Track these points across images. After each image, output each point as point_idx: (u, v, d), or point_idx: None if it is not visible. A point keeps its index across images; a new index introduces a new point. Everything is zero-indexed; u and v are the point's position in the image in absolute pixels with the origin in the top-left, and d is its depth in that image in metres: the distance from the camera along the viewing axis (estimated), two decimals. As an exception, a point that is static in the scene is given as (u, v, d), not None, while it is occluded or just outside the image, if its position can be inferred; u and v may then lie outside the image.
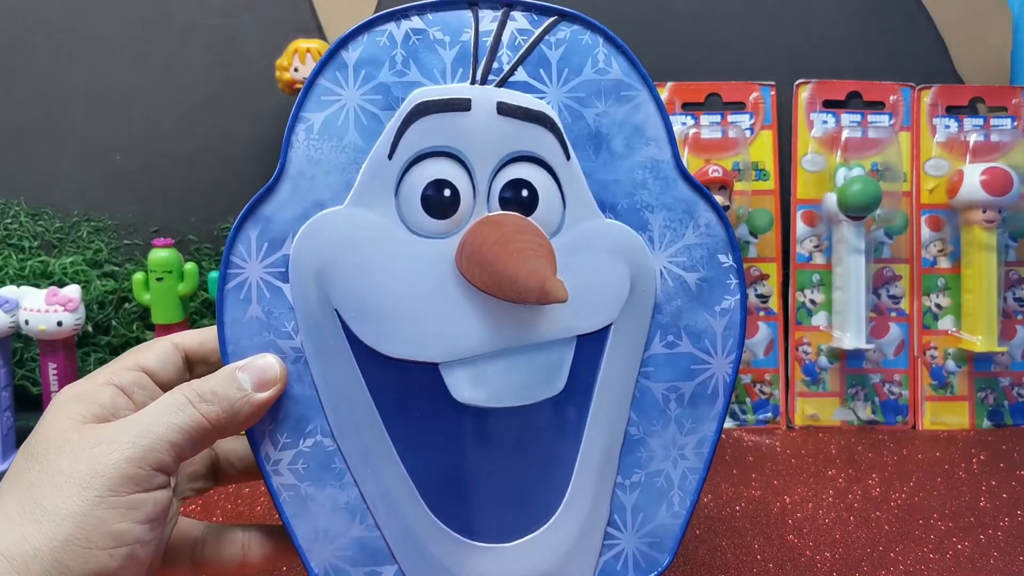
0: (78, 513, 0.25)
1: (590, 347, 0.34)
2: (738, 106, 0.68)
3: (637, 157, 0.34)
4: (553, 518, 0.34)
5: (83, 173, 0.71)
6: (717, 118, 0.67)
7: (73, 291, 0.56)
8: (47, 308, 0.55)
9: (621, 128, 0.34)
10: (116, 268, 0.71)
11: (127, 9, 0.70)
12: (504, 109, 0.33)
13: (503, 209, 0.33)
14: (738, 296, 0.35)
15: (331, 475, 0.33)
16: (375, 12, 0.72)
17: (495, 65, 0.33)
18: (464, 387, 0.33)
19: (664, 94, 0.67)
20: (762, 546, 0.43)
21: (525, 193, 0.33)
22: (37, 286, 0.66)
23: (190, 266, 0.61)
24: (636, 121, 0.34)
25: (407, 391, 0.33)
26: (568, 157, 0.34)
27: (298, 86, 0.63)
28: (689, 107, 0.68)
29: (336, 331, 0.33)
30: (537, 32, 0.34)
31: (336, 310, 0.33)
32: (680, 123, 0.67)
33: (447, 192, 0.33)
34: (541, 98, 0.34)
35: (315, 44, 0.63)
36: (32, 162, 0.70)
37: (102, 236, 0.71)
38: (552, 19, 0.34)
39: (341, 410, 0.33)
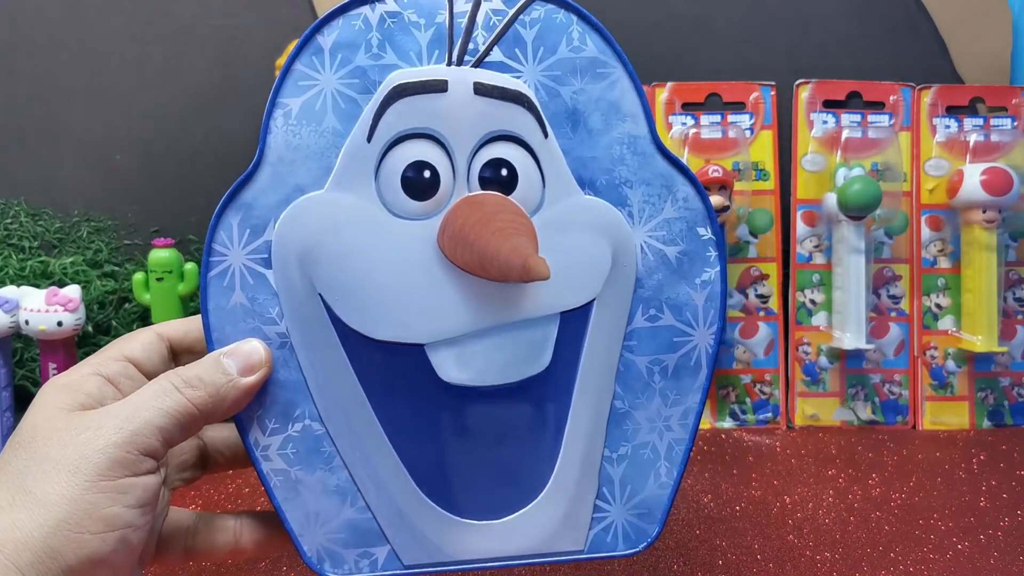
0: (68, 498, 0.26)
1: (574, 323, 0.34)
2: (738, 106, 0.68)
3: (614, 133, 0.35)
4: (542, 493, 0.34)
5: (83, 173, 0.71)
6: (717, 118, 0.67)
7: (73, 291, 0.56)
8: (47, 308, 0.55)
9: (598, 105, 0.35)
10: (116, 268, 0.71)
11: (127, 9, 0.70)
12: (481, 89, 0.33)
13: (483, 189, 0.33)
14: (718, 268, 0.35)
15: (320, 459, 0.33)
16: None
17: (471, 46, 0.33)
18: (450, 367, 0.33)
19: (664, 94, 0.67)
20: (762, 546, 0.43)
21: (504, 172, 0.33)
22: (37, 286, 0.66)
23: (190, 266, 0.61)
24: (612, 98, 0.35)
25: (393, 373, 0.33)
26: (546, 135, 0.34)
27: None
28: (689, 107, 0.68)
29: (321, 315, 0.33)
30: (511, 12, 0.34)
31: (320, 294, 0.33)
32: (680, 123, 0.67)
33: (427, 173, 0.33)
34: (517, 77, 0.34)
35: (315, 44, 0.63)
36: (32, 162, 0.70)
37: (102, 236, 0.71)
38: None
39: (328, 394, 0.33)
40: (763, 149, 0.67)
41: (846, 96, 0.68)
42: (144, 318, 0.69)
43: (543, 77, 0.34)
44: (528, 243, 0.31)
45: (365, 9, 0.33)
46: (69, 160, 0.71)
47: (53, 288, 0.56)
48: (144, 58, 0.71)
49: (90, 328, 0.69)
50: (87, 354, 0.68)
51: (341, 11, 0.33)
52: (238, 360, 0.31)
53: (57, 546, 0.25)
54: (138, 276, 0.62)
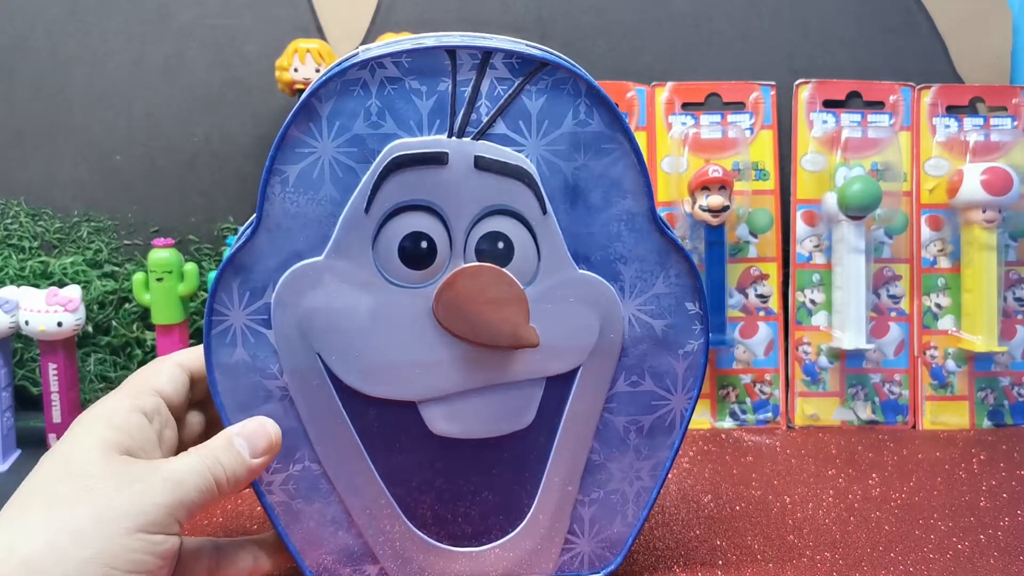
0: (110, 536, 0.28)
1: (559, 387, 0.36)
2: (738, 106, 0.68)
3: (613, 210, 0.35)
4: (519, 528, 0.37)
5: (83, 173, 0.71)
6: (717, 118, 0.67)
7: (73, 291, 0.56)
8: (47, 308, 0.55)
9: (599, 182, 0.34)
10: (116, 268, 0.71)
11: (127, 9, 0.70)
12: (482, 163, 0.33)
13: (479, 260, 0.34)
14: (702, 340, 0.37)
15: (318, 494, 0.35)
16: (375, 15, 0.72)
17: (473, 117, 0.33)
18: (440, 421, 0.35)
19: (664, 94, 0.67)
20: (762, 546, 0.43)
21: (501, 245, 0.34)
22: (37, 286, 0.66)
23: (190, 266, 0.61)
24: (614, 175, 0.34)
25: (387, 425, 0.35)
26: (544, 212, 0.34)
27: (298, 86, 0.63)
28: (689, 107, 0.68)
29: (319, 373, 0.34)
30: (518, 82, 0.33)
31: (318, 353, 0.34)
32: (680, 123, 0.67)
33: (424, 244, 0.33)
34: (519, 151, 0.33)
35: (315, 44, 0.63)
36: (32, 162, 0.70)
37: (102, 236, 0.71)
38: (533, 68, 0.33)
39: (326, 441, 0.35)
40: (763, 149, 0.67)
41: (846, 96, 0.68)
42: (144, 318, 0.69)
43: (545, 151, 0.34)
44: (519, 314, 0.33)
45: (364, 74, 0.32)
46: (69, 160, 0.71)
47: (53, 288, 0.56)
48: (144, 58, 0.71)
49: (90, 328, 0.69)
50: (87, 354, 0.68)
51: (339, 75, 0.32)
52: (250, 442, 0.33)
53: (88, 575, 0.27)
54: (138, 276, 0.62)
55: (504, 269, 0.34)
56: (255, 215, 0.33)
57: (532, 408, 0.36)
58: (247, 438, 0.33)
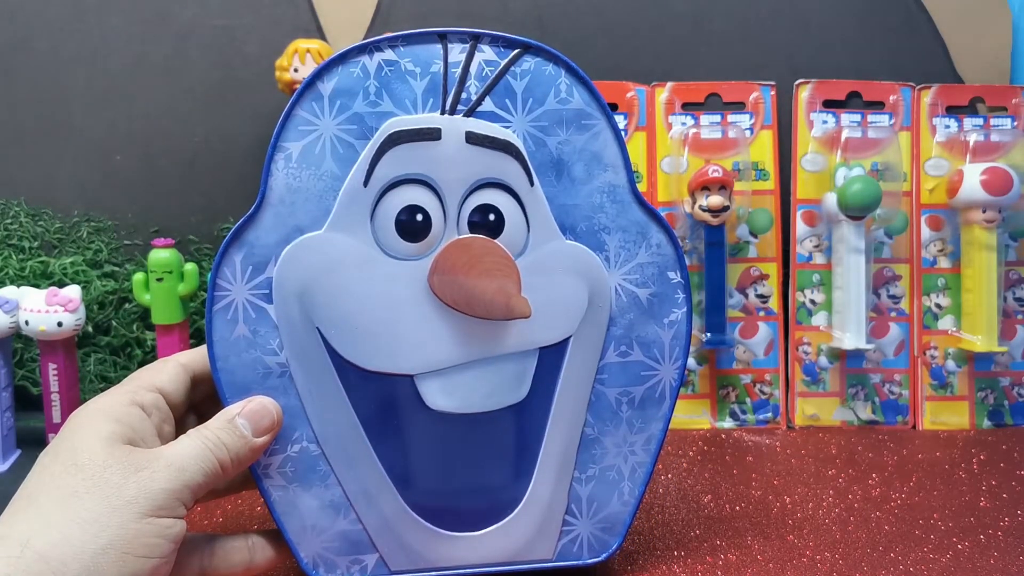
0: (122, 524, 0.28)
1: (551, 357, 0.37)
2: (738, 106, 0.68)
3: (596, 183, 0.37)
4: (517, 509, 0.38)
5: (83, 173, 0.71)
6: (717, 118, 0.67)
7: (73, 291, 0.56)
8: (47, 308, 0.55)
9: (581, 155, 0.37)
10: (116, 268, 0.71)
11: (127, 9, 0.70)
12: (472, 138, 0.35)
13: (472, 232, 0.36)
14: (685, 309, 0.38)
15: (317, 477, 0.36)
16: (375, 15, 0.72)
17: (464, 95, 0.35)
18: (437, 396, 0.36)
19: (664, 94, 0.67)
20: (762, 546, 0.43)
21: (492, 217, 0.36)
22: (37, 286, 0.66)
23: (190, 266, 0.61)
24: (595, 148, 0.37)
25: (384, 400, 0.36)
26: (532, 183, 0.36)
27: (298, 86, 0.63)
28: (689, 107, 0.68)
29: (318, 347, 0.35)
30: (503, 63, 0.36)
31: (318, 328, 0.35)
32: (680, 123, 0.67)
33: (419, 217, 0.35)
34: (507, 127, 0.36)
35: (315, 44, 0.63)
36: (32, 162, 0.70)
37: (102, 236, 0.71)
38: (517, 51, 0.36)
39: (324, 418, 0.35)
40: (763, 149, 0.67)
41: (846, 96, 0.68)
42: (144, 318, 0.69)
43: (531, 127, 0.36)
44: (512, 284, 0.35)
45: (363, 57, 0.35)
46: (69, 160, 0.71)
47: (53, 288, 0.56)
48: (144, 58, 0.71)
49: (90, 328, 0.69)
50: (87, 354, 0.68)
51: (340, 59, 0.35)
52: (251, 421, 0.33)
53: (104, 563, 0.27)
54: (138, 276, 0.62)
55: (496, 241, 0.35)
56: (259, 192, 0.34)
57: (527, 380, 0.37)
58: (249, 417, 0.33)
